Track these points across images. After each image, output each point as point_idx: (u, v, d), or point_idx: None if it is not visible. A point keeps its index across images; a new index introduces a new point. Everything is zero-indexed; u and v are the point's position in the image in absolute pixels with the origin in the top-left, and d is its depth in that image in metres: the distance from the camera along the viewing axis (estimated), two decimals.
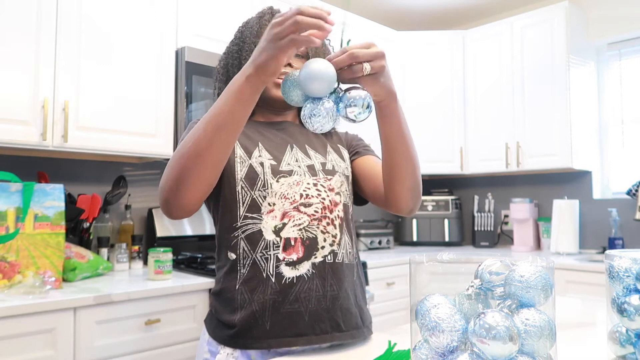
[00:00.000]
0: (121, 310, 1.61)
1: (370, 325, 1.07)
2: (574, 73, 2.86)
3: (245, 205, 0.99)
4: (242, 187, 0.99)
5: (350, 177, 1.11)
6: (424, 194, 3.34)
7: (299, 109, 1.15)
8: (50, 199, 1.72)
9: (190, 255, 2.26)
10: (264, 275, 0.95)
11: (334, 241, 0.99)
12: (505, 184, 3.42)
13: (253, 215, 0.98)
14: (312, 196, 1.00)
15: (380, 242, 3.15)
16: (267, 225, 0.97)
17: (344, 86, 0.79)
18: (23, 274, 1.61)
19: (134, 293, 1.63)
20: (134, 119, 2.01)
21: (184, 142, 0.87)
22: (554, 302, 0.54)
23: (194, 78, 2.15)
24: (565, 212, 2.88)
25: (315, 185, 1.01)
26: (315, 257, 0.97)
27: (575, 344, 0.96)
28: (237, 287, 0.97)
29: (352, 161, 1.15)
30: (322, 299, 0.96)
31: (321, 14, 0.75)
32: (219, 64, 1.14)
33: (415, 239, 3.39)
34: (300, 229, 0.97)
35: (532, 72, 2.98)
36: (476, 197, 3.44)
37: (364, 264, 2.39)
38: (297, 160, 1.04)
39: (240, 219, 0.99)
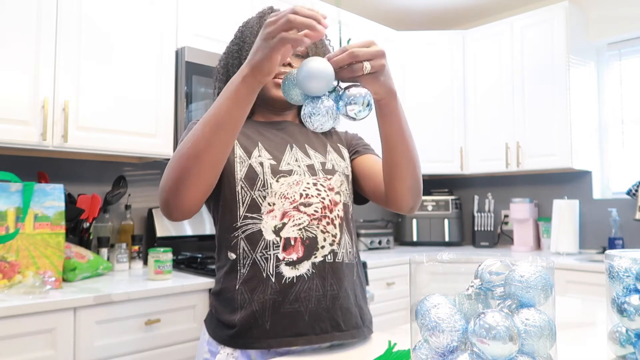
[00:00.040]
0: (121, 310, 1.61)
1: (371, 324, 1.07)
2: (574, 73, 2.86)
3: (245, 205, 0.99)
4: (241, 187, 0.99)
5: (350, 177, 1.11)
6: (424, 194, 3.34)
7: (299, 109, 1.15)
8: (50, 199, 1.72)
9: (190, 255, 2.26)
10: (264, 275, 0.95)
11: (333, 241, 0.99)
12: (505, 184, 3.42)
13: (253, 215, 0.98)
14: (312, 196, 1.00)
15: (380, 242, 3.15)
16: (267, 225, 0.97)
17: (343, 84, 0.79)
18: (23, 274, 1.61)
19: (134, 293, 1.63)
20: (134, 119, 2.01)
21: (183, 144, 0.87)
22: (554, 302, 0.54)
23: (194, 78, 2.15)
24: (565, 212, 2.88)
25: (315, 184, 1.01)
26: (315, 257, 0.97)
27: (575, 344, 0.96)
28: (237, 287, 0.97)
29: (352, 160, 1.15)
30: (322, 299, 0.96)
31: (315, 14, 0.75)
32: (219, 63, 1.14)
33: (415, 239, 3.39)
34: (300, 229, 0.97)
35: (532, 72, 2.98)
36: (476, 197, 3.44)
37: (364, 264, 2.39)
38: (296, 160, 1.04)
39: (240, 219, 0.99)
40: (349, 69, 0.78)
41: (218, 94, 1.10)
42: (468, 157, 3.28)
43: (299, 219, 0.97)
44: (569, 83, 2.82)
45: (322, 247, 0.98)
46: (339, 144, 1.15)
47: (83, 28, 1.88)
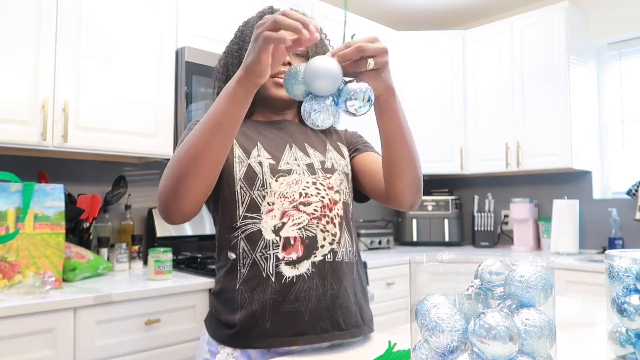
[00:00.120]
0: (121, 310, 1.61)
1: (371, 323, 1.07)
2: (574, 73, 2.86)
3: (244, 205, 0.99)
4: (241, 187, 0.99)
5: (350, 175, 1.11)
6: (424, 194, 3.34)
7: (299, 108, 1.15)
8: (50, 199, 1.72)
9: (190, 255, 2.26)
10: (264, 274, 0.95)
11: (333, 240, 0.99)
12: (505, 184, 3.42)
13: (252, 215, 0.98)
14: (312, 195, 1.00)
15: (380, 242, 3.15)
16: (267, 224, 0.97)
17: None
18: (23, 274, 1.61)
19: (134, 293, 1.63)
20: (134, 119, 2.01)
21: (181, 147, 0.88)
22: (554, 302, 0.54)
23: (194, 78, 2.15)
24: (565, 212, 2.88)
25: (314, 183, 1.01)
26: (315, 256, 0.97)
27: (575, 344, 0.96)
28: (237, 287, 0.97)
29: (352, 158, 1.15)
30: (322, 298, 0.96)
31: (304, 19, 0.75)
32: (219, 63, 1.14)
33: (415, 239, 3.39)
34: (299, 228, 0.97)
35: (532, 72, 2.98)
36: (476, 197, 3.44)
37: (364, 264, 2.39)
38: (296, 159, 1.04)
39: (239, 218, 0.99)
40: (352, 64, 0.78)
41: (218, 94, 1.11)
42: (468, 157, 3.28)
43: (299, 218, 0.97)
44: (569, 83, 2.82)
45: (322, 246, 0.98)
46: (338, 143, 1.15)
47: (83, 28, 1.88)
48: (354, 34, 0.81)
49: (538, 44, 2.96)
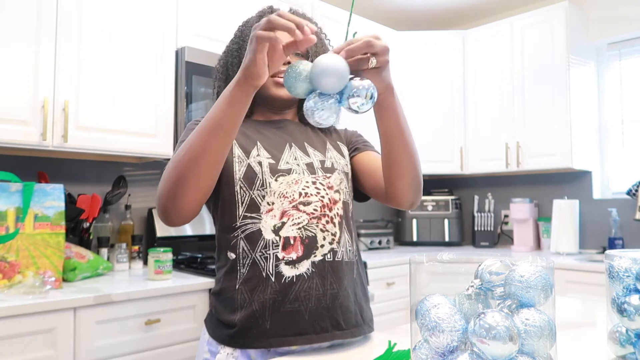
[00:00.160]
0: (121, 310, 1.61)
1: (371, 322, 1.07)
2: (574, 73, 2.86)
3: (244, 205, 0.99)
4: (240, 187, 0.99)
5: (350, 174, 1.11)
6: (424, 194, 3.34)
7: (299, 108, 1.15)
8: (50, 199, 1.72)
9: (190, 255, 2.26)
10: (264, 274, 0.95)
11: (333, 239, 0.99)
12: (505, 184, 3.42)
13: (252, 215, 0.98)
14: (311, 194, 1.00)
15: (380, 242, 3.15)
16: (267, 224, 0.97)
17: None
18: (23, 274, 1.61)
19: (134, 293, 1.63)
20: (134, 119, 2.01)
21: (180, 149, 0.88)
22: (554, 302, 0.54)
23: (194, 78, 2.15)
24: (565, 212, 2.88)
25: (314, 183, 1.01)
26: (315, 256, 0.97)
27: (575, 344, 0.96)
28: (237, 286, 0.97)
29: (351, 157, 1.15)
30: (322, 298, 0.96)
31: (298, 20, 0.75)
32: (219, 62, 1.14)
33: (415, 239, 3.39)
34: (299, 228, 0.97)
35: (532, 72, 2.98)
36: (476, 197, 3.44)
37: (364, 264, 2.39)
38: (295, 159, 1.04)
39: (239, 218, 0.99)
40: (355, 62, 0.78)
41: (218, 93, 1.11)
42: (468, 157, 3.28)
43: (298, 218, 0.97)
44: (569, 83, 2.82)
45: (322, 246, 0.98)
46: (338, 142, 1.15)
47: (83, 28, 1.88)
48: (355, 32, 0.80)
49: (538, 44, 2.95)
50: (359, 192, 1.15)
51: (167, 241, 2.27)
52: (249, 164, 1.00)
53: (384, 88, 0.85)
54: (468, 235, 3.59)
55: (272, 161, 1.02)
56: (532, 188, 3.28)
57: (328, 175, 1.04)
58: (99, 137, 1.91)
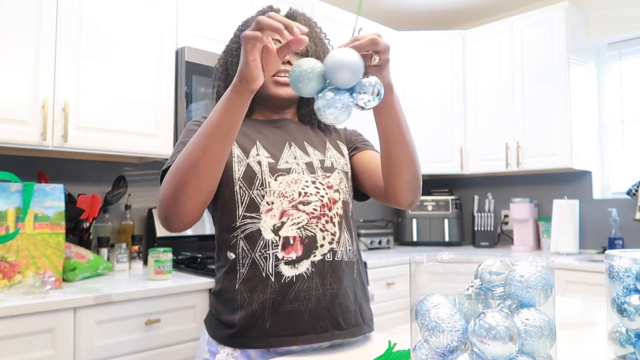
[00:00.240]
0: (121, 310, 1.61)
1: (371, 322, 1.07)
2: (574, 73, 2.86)
3: (243, 205, 0.99)
4: (240, 187, 0.99)
5: (349, 174, 1.11)
6: (423, 194, 3.34)
7: (298, 107, 1.15)
8: (50, 199, 1.71)
9: (190, 255, 2.26)
10: (264, 274, 0.95)
11: (333, 239, 0.99)
12: (505, 184, 3.42)
13: (252, 215, 0.98)
14: (311, 194, 1.00)
15: (380, 242, 3.15)
16: (266, 224, 0.97)
17: None
18: (23, 274, 1.61)
19: (134, 293, 1.63)
20: (134, 119, 2.01)
21: (180, 155, 0.88)
22: (554, 302, 0.54)
23: (194, 78, 2.15)
24: (565, 212, 2.88)
25: (313, 183, 1.01)
26: (315, 256, 0.97)
27: (575, 344, 0.96)
28: (236, 286, 0.97)
29: (351, 157, 1.15)
30: (321, 298, 0.96)
31: (287, 21, 0.75)
32: (219, 62, 1.14)
33: (415, 239, 3.39)
34: (299, 228, 0.97)
35: (532, 72, 2.98)
36: (476, 197, 3.44)
37: (364, 264, 2.39)
38: (295, 158, 1.04)
39: (239, 218, 0.99)
40: None
41: (217, 93, 1.11)
42: (468, 157, 3.28)
43: (298, 217, 0.97)
44: (569, 83, 2.82)
45: (322, 245, 0.98)
46: (338, 141, 1.15)
47: (83, 28, 1.88)
48: (361, 28, 0.80)
49: (538, 44, 2.95)
50: (359, 191, 1.15)
51: (167, 241, 2.27)
52: (248, 163, 1.00)
53: (384, 86, 0.85)
54: (468, 235, 3.59)
55: (271, 160, 1.01)
56: (532, 188, 3.28)
57: (328, 174, 1.04)
58: (99, 137, 1.91)
